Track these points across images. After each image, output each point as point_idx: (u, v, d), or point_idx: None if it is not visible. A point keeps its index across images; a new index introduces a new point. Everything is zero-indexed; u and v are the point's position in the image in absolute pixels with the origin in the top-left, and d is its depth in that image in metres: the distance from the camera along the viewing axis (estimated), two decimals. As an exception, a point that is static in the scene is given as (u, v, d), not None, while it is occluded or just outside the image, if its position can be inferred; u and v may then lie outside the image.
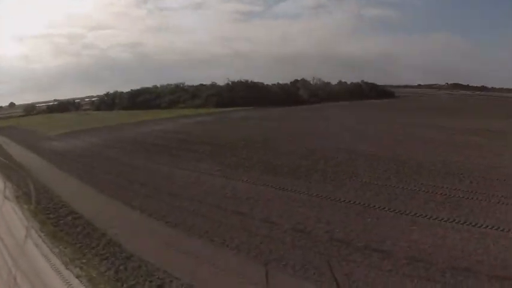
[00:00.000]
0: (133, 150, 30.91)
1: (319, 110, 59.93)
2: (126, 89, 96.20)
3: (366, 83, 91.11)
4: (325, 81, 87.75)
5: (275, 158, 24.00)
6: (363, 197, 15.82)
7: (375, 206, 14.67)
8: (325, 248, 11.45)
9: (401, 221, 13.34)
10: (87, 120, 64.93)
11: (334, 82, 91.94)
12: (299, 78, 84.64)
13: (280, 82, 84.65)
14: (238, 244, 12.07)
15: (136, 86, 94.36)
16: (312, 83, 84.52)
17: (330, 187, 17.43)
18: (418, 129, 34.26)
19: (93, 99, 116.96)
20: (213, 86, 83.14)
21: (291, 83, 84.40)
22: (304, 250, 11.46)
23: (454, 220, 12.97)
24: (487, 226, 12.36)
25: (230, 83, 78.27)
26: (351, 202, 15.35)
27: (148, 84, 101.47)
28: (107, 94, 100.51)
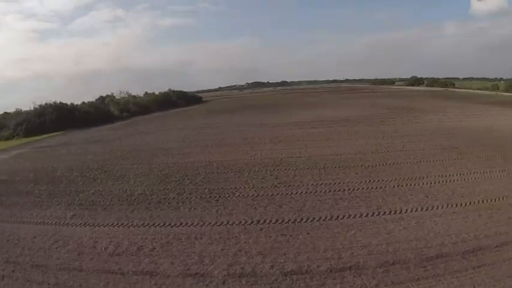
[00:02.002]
0: None
1: (139, 124, 55.36)
2: None
3: (174, 91, 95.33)
4: (132, 94, 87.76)
5: (129, 186, 18.77)
6: (268, 213, 13.86)
7: (289, 220, 13.04)
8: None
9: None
10: None
11: (141, 94, 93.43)
12: (105, 95, 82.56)
13: (88, 100, 78.55)
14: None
15: None
16: (119, 97, 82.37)
17: (221, 210, 14.54)
18: (254, 128, 36.94)
19: None
20: (19, 113, 67.42)
21: (96, 100, 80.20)
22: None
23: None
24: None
25: (38, 107, 65.05)
26: (260, 222, 13.13)
27: None
28: None
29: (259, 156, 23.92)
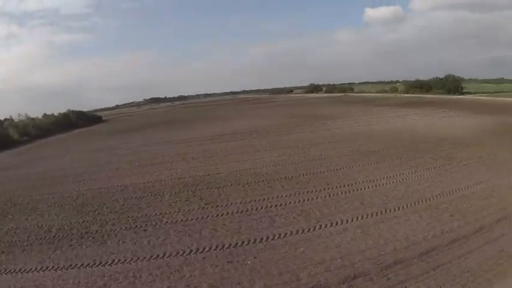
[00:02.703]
0: None
1: (42, 148, 50.29)
2: None
3: (73, 112, 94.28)
4: (31, 116, 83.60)
5: (45, 220, 17.04)
6: (205, 239, 13.41)
7: (230, 245, 12.74)
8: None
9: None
10: None
11: (40, 115, 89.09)
12: (3, 118, 79.77)
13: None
14: None
15: None
16: (17, 120, 79.31)
17: (153, 241, 13.66)
18: (164, 146, 36.78)
19: None
20: None
21: (-6, 123, 73.95)
22: None
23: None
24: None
25: None
26: (199, 250, 12.59)
27: None
28: None
29: (176, 176, 23.44)
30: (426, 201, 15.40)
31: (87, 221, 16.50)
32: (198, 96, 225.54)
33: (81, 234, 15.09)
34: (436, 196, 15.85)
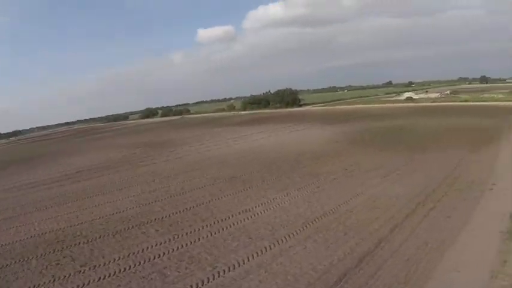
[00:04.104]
0: None
1: None
2: None
3: None
4: None
5: None
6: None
7: None
8: None
9: None
10: None
11: None
12: None
13: None
14: None
15: None
16: None
17: None
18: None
19: None
20: None
21: None
22: None
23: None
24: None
25: None
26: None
27: None
28: None
29: (35, 232, 19.24)
30: (313, 223, 15.76)
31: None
32: (31, 129, 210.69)
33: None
34: (321, 217, 16.38)
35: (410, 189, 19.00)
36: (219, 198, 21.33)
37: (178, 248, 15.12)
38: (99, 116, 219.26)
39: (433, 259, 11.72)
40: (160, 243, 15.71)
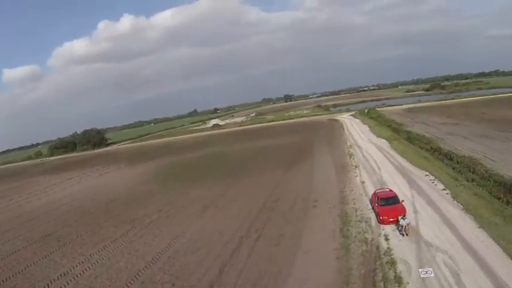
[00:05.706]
0: None
1: None
2: None
3: None
4: None
5: None
6: None
7: None
8: None
9: None
10: None
11: None
12: None
13: None
14: None
15: None
16: None
17: None
18: None
19: None
20: None
21: None
22: None
23: None
24: None
25: None
26: None
27: None
28: None
29: None
30: (137, 278, 14.74)
31: None
32: None
33: None
34: (144, 269, 15.42)
35: (232, 221, 19.36)
36: (34, 263, 18.44)
37: None
38: None
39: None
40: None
